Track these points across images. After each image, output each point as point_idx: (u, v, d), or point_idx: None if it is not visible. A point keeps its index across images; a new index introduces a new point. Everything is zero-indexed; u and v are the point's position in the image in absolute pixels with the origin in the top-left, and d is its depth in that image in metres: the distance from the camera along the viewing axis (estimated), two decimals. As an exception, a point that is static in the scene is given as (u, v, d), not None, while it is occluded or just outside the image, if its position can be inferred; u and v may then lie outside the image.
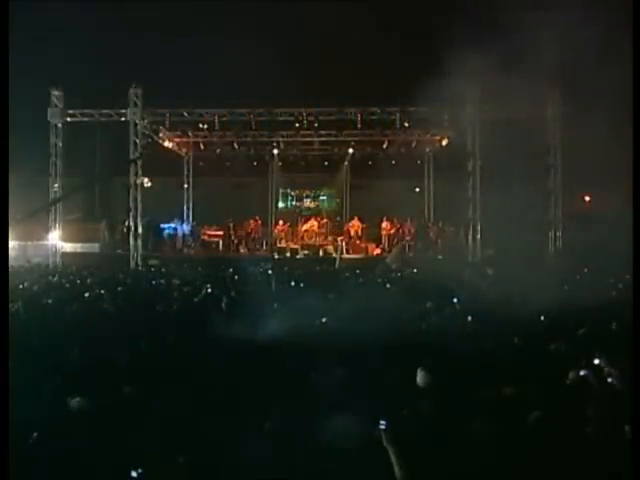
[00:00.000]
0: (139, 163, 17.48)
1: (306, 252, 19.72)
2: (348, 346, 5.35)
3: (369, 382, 4.45)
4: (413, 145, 21.24)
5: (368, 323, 6.32)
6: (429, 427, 3.62)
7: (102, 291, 10.26)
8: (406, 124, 18.02)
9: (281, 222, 21.51)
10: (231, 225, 20.83)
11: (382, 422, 3.18)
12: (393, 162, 21.44)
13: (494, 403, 4.01)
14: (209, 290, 9.98)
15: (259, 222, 21.42)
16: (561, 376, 4.32)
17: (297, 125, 18.32)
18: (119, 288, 11.00)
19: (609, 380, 4.03)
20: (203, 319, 7.31)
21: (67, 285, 11.74)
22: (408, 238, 20.44)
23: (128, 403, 4.11)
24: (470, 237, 17.41)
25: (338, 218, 22.48)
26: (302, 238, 21.03)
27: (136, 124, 17.51)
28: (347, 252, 19.60)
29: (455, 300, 8.24)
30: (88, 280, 12.38)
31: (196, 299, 9.51)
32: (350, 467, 3.21)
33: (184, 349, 5.67)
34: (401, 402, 4.03)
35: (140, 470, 3.05)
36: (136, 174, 17.50)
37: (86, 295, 9.64)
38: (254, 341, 5.86)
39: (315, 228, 21.32)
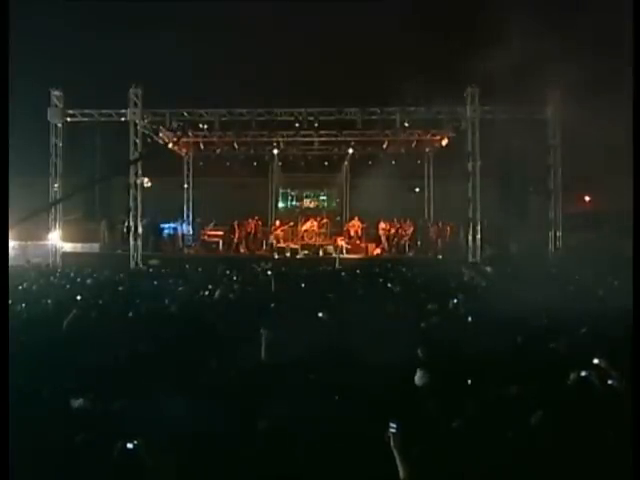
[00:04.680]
0: (139, 163, 17.46)
1: (306, 252, 19.70)
2: (350, 347, 5.35)
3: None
4: (413, 145, 21.25)
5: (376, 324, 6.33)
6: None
7: (102, 291, 10.26)
8: (406, 124, 18.04)
9: (281, 222, 21.51)
10: (236, 224, 20.84)
11: (392, 425, 3.17)
12: (393, 162, 21.45)
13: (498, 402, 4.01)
14: (207, 292, 9.97)
15: (259, 222, 21.43)
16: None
17: (297, 125, 18.31)
18: (119, 288, 11.00)
19: (609, 381, 4.02)
20: (202, 320, 7.31)
21: (67, 285, 11.73)
22: (407, 238, 20.44)
23: (128, 404, 4.10)
24: (470, 237, 17.41)
25: (338, 218, 22.48)
26: (302, 238, 21.02)
27: (136, 124, 17.51)
28: (347, 252, 19.60)
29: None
30: (88, 280, 12.38)
31: (195, 300, 9.52)
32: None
33: (183, 349, 5.66)
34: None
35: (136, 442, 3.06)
36: (136, 174, 17.49)
37: (86, 295, 9.62)
38: (254, 343, 5.85)
39: (315, 228, 21.33)
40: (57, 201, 17.07)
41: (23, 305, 8.47)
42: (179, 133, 19.03)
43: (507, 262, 15.37)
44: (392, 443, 3.12)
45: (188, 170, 23.35)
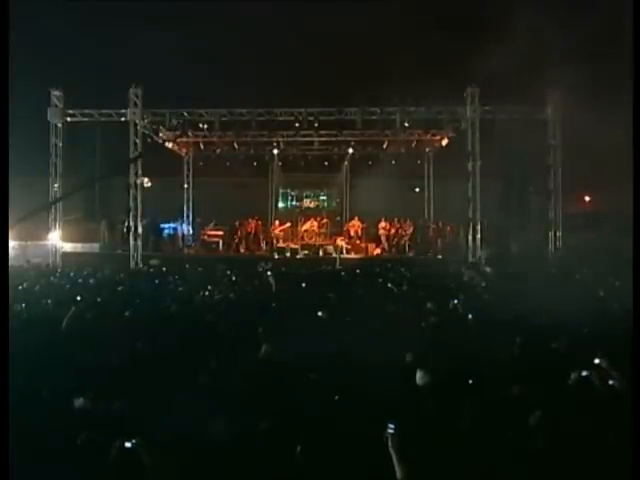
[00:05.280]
0: (139, 163, 17.47)
1: (306, 252, 19.69)
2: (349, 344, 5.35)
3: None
4: (413, 145, 21.24)
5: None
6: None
7: (102, 291, 10.26)
8: (406, 124, 18.02)
9: (281, 222, 21.51)
10: (237, 224, 20.89)
11: (391, 425, 3.16)
12: (393, 162, 21.45)
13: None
14: (207, 292, 9.97)
15: (259, 222, 21.44)
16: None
17: (297, 125, 18.30)
18: (119, 288, 11.00)
19: (610, 381, 4.02)
20: (202, 320, 7.31)
21: (67, 285, 11.73)
22: (407, 238, 20.44)
23: (128, 404, 4.10)
24: (470, 237, 17.41)
25: (338, 218, 22.47)
26: (302, 238, 21.02)
27: (136, 124, 17.50)
28: (347, 252, 19.59)
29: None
30: (89, 280, 12.38)
31: (195, 300, 9.52)
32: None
33: (184, 349, 5.66)
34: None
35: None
36: (136, 174, 17.49)
37: (86, 296, 9.62)
38: (254, 342, 5.86)
39: (315, 228, 21.32)
40: (56, 200, 17.06)
41: (23, 305, 8.46)
42: (178, 132, 19.00)
43: (507, 262, 15.37)
44: (390, 444, 3.11)
45: (188, 170, 23.34)
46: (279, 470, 3.27)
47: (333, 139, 20.30)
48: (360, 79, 20.13)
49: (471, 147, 17.20)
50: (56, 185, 17.78)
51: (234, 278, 12.40)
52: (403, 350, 5.20)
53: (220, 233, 21.09)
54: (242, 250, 20.66)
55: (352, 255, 19.45)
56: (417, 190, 23.22)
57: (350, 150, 21.29)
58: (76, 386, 4.26)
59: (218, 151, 21.66)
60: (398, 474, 3.03)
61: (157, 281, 12.12)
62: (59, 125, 17.81)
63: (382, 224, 20.74)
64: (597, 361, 4.27)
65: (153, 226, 20.27)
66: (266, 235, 21.21)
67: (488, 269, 13.68)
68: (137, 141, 17.56)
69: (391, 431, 3.13)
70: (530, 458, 3.25)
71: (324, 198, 23.06)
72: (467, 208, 17.31)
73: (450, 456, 3.23)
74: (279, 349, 5.40)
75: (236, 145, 21.07)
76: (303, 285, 11.06)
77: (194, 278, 12.32)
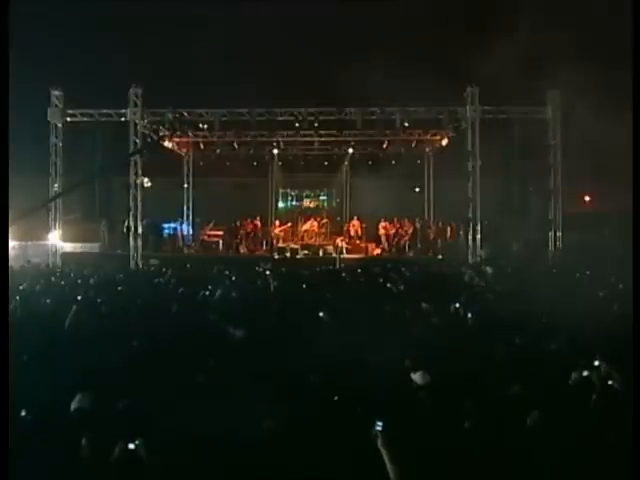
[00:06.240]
0: (139, 163, 17.46)
1: (306, 252, 19.69)
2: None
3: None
4: (413, 145, 21.23)
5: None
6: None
7: (102, 292, 10.26)
8: (406, 124, 18.00)
9: (281, 222, 21.51)
10: (237, 224, 20.93)
11: (379, 423, 3.14)
12: (393, 162, 21.45)
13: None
14: (208, 291, 9.97)
15: (259, 222, 21.45)
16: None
17: (297, 125, 18.29)
18: (119, 288, 10.99)
19: (610, 381, 4.02)
20: (203, 319, 7.31)
21: (67, 286, 11.72)
22: (407, 238, 20.44)
23: (128, 404, 4.09)
24: (470, 237, 17.41)
25: (338, 218, 22.47)
26: (302, 238, 21.04)
27: (136, 124, 17.50)
28: (347, 252, 19.59)
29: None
30: (88, 280, 12.36)
31: (196, 299, 9.51)
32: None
33: (184, 349, 5.65)
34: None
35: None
36: (136, 174, 17.49)
37: (86, 296, 9.61)
38: (254, 342, 5.86)
39: (315, 228, 21.34)
40: (55, 197, 17.03)
41: (23, 305, 8.45)
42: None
43: (507, 262, 15.37)
44: (379, 442, 3.10)
45: (188, 170, 23.35)
46: (279, 470, 3.27)
47: (333, 139, 20.28)
48: (360, 79, 20.12)
49: (471, 147, 17.20)
50: (56, 185, 17.78)
51: (234, 278, 12.39)
52: (403, 351, 5.20)
53: (220, 233, 21.09)
54: (242, 250, 20.66)
55: (352, 255, 19.44)
56: (417, 190, 23.22)
57: (350, 150, 21.27)
58: (77, 386, 4.25)
59: (218, 151, 21.64)
60: (390, 472, 3.02)
61: (157, 281, 12.12)
62: (59, 125, 17.81)
63: (382, 224, 20.75)
64: (597, 362, 4.27)
65: (153, 226, 20.27)
66: (266, 235, 21.22)
67: (488, 269, 13.67)
68: (137, 141, 17.56)
69: (379, 429, 3.12)
70: (530, 458, 3.25)
71: (324, 198, 23.05)
72: (467, 208, 17.31)
73: (449, 456, 3.22)
74: (278, 349, 5.40)
75: (236, 145, 21.05)
76: (303, 285, 11.06)
77: (194, 278, 12.31)
